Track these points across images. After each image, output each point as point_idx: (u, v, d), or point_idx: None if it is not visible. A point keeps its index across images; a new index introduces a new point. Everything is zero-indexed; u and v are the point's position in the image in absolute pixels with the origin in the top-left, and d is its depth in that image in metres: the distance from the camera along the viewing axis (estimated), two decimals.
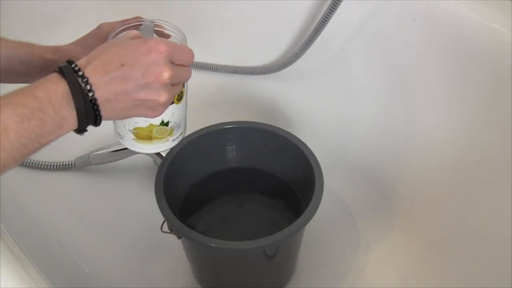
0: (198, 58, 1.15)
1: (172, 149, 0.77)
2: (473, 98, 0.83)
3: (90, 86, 0.49)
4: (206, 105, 1.12)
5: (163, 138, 0.68)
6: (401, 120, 0.94)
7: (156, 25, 0.66)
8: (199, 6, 1.14)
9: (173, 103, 0.65)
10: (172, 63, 0.53)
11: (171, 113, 0.66)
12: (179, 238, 0.72)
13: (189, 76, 0.57)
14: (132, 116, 0.55)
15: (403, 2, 0.89)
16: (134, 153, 0.93)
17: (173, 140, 0.70)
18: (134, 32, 0.56)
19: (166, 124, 0.67)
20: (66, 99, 0.48)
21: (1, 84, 0.65)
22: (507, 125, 0.76)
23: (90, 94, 0.49)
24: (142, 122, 0.65)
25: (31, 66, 0.64)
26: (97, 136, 1.03)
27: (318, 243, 0.89)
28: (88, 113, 0.50)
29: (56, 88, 0.48)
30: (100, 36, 0.65)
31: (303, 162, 0.77)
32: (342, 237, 0.91)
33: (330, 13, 0.89)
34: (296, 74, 1.07)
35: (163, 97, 0.53)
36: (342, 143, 1.02)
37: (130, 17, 0.67)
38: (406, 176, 0.93)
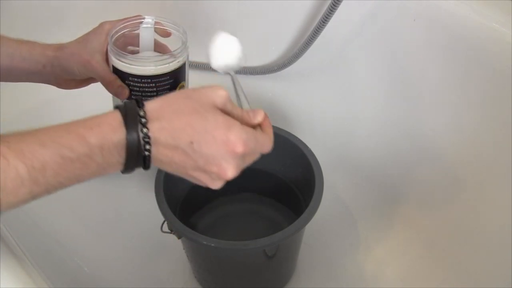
0: (198, 58, 1.15)
1: None
2: (473, 98, 0.83)
3: (150, 146, 0.45)
4: None
5: None
6: (401, 120, 0.94)
7: (156, 23, 0.66)
8: (199, 6, 1.14)
9: None
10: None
11: None
12: (179, 238, 0.72)
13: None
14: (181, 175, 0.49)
15: (403, 2, 0.89)
16: None
17: None
18: (225, 94, 0.51)
19: None
20: (119, 149, 0.44)
21: (2, 83, 0.65)
22: (507, 125, 0.76)
23: (146, 153, 0.45)
24: None
25: (33, 63, 0.64)
26: None
27: (318, 243, 0.89)
28: (137, 165, 0.46)
29: (112, 137, 0.44)
30: (101, 34, 0.65)
31: (303, 162, 0.77)
32: (342, 237, 0.91)
33: (330, 13, 0.89)
34: (296, 74, 1.07)
35: (216, 185, 0.49)
36: (342, 143, 1.02)
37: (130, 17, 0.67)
38: (406, 176, 0.93)
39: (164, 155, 0.46)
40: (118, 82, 0.63)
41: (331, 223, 0.92)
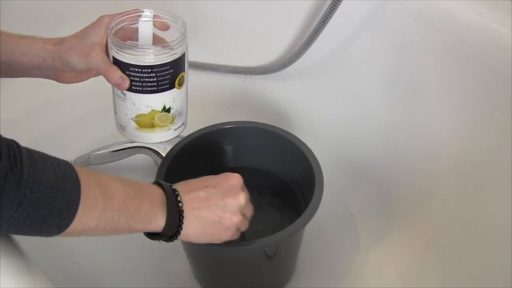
0: (198, 58, 1.16)
1: (172, 149, 0.77)
2: (473, 98, 0.83)
3: (181, 198, 0.57)
4: (206, 105, 1.12)
5: (165, 126, 0.69)
6: (401, 120, 0.94)
7: (155, 16, 0.66)
8: (199, 6, 1.14)
9: (174, 87, 0.66)
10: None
11: (172, 99, 0.67)
12: None
13: (251, 215, 0.65)
14: (208, 236, 0.61)
15: (403, 2, 0.89)
16: (134, 153, 0.93)
17: (175, 129, 0.70)
18: None
19: (168, 110, 0.67)
20: (161, 203, 0.56)
21: (2, 83, 0.65)
22: (507, 125, 0.76)
23: (179, 205, 0.57)
24: (144, 108, 0.65)
25: (33, 57, 0.64)
26: (97, 136, 1.04)
27: (318, 243, 0.89)
28: (174, 221, 0.56)
29: (155, 190, 0.56)
30: (101, 28, 0.65)
31: (303, 162, 0.77)
32: (342, 237, 0.91)
33: (330, 13, 0.89)
34: (296, 74, 1.07)
35: (237, 216, 0.61)
36: (342, 143, 1.02)
37: None
38: (406, 176, 0.93)
39: (192, 206, 0.58)
40: (119, 73, 0.63)
41: (331, 223, 0.92)
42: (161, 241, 0.58)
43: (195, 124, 0.79)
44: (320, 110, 1.06)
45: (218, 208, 0.59)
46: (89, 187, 0.48)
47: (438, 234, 0.85)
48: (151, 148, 0.88)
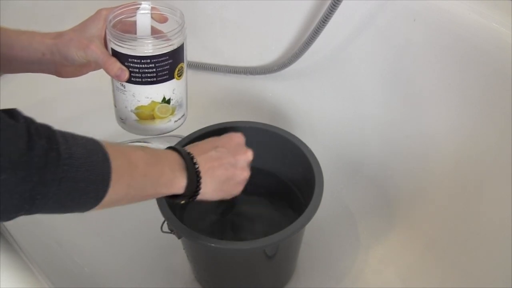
0: (198, 58, 1.16)
1: None
2: (473, 98, 0.83)
3: (196, 160, 0.60)
4: (206, 105, 1.12)
5: (165, 117, 0.69)
6: (401, 120, 0.94)
7: (153, 8, 0.66)
8: (199, 6, 1.14)
9: (173, 78, 0.66)
10: None
11: (172, 89, 0.67)
12: (179, 238, 0.72)
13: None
14: (222, 192, 0.64)
15: (403, 2, 0.89)
16: None
17: (176, 121, 0.70)
18: None
19: (168, 101, 0.67)
20: (180, 166, 0.58)
21: (1, 82, 0.65)
22: (507, 125, 0.76)
23: (196, 166, 0.59)
24: (144, 99, 0.65)
25: (32, 51, 0.65)
26: (97, 136, 1.03)
27: (318, 243, 0.89)
28: (193, 181, 0.59)
29: (172, 155, 0.59)
30: (99, 21, 0.66)
31: (303, 162, 0.77)
32: (342, 237, 0.91)
33: (330, 13, 0.89)
34: (296, 74, 1.07)
35: (246, 172, 0.65)
36: (342, 143, 1.02)
37: None
38: (406, 176, 0.93)
39: (206, 166, 0.61)
40: (118, 64, 0.63)
41: (331, 223, 0.92)
42: (182, 202, 0.61)
43: (195, 124, 0.79)
44: (320, 110, 1.06)
45: (231, 165, 0.63)
46: (116, 158, 0.50)
47: (438, 234, 0.85)
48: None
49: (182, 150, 0.60)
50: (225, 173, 0.63)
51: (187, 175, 0.58)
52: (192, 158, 0.60)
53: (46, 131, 0.45)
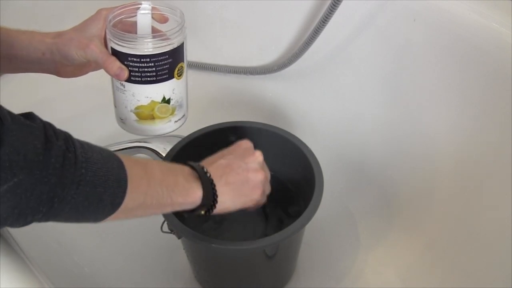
0: (198, 58, 1.16)
1: (172, 149, 0.77)
2: (473, 98, 0.83)
3: (206, 169, 0.60)
4: (206, 105, 1.12)
5: (165, 117, 0.69)
6: (401, 120, 0.94)
7: (153, 8, 0.66)
8: (199, 6, 1.14)
9: (173, 77, 0.66)
10: None
11: (172, 89, 0.67)
12: (179, 238, 0.72)
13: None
14: (242, 198, 0.63)
15: (403, 2, 0.89)
16: (134, 153, 0.92)
17: (176, 121, 0.70)
18: None
19: (168, 101, 0.67)
20: (193, 176, 0.59)
21: (1, 82, 0.65)
22: (506, 125, 0.76)
23: (208, 175, 0.60)
24: (144, 99, 0.65)
25: (32, 51, 0.65)
26: (97, 136, 1.03)
27: (318, 243, 0.89)
28: (209, 191, 0.59)
29: (183, 167, 0.59)
30: (99, 20, 0.66)
31: (303, 162, 0.77)
32: (342, 237, 0.91)
33: (330, 13, 0.89)
34: (296, 74, 1.07)
35: (260, 173, 0.64)
36: (342, 143, 1.02)
37: None
38: (406, 176, 0.93)
39: (218, 174, 0.61)
40: (118, 63, 0.63)
41: (331, 223, 0.92)
42: (202, 213, 0.60)
43: (195, 124, 0.79)
44: (320, 110, 1.06)
45: (242, 169, 0.63)
46: (132, 167, 0.50)
47: (438, 234, 0.85)
48: (151, 148, 0.88)
49: (192, 162, 0.61)
50: (238, 177, 0.62)
51: (201, 185, 0.58)
52: (203, 168, 0.60)
53: (63, 134, 0.45)
